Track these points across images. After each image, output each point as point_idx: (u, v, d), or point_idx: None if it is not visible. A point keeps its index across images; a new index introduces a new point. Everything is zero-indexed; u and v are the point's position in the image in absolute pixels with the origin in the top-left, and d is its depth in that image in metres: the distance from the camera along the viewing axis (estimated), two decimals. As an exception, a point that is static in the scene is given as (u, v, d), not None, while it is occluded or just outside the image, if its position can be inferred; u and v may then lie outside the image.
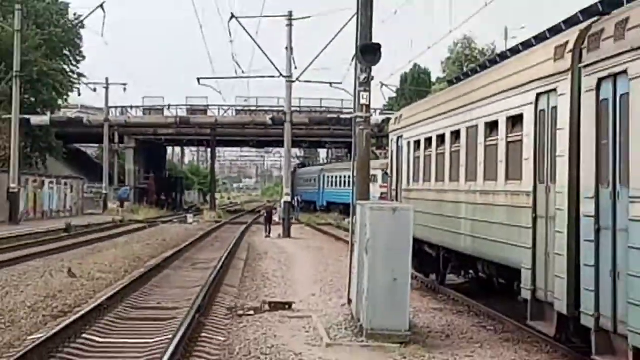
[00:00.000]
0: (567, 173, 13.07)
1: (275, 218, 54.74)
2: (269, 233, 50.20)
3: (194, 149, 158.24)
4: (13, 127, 56.38)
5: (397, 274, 15.10)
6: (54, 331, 14.68)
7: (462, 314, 19.46)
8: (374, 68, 18.88)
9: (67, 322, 15.73)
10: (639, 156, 10.68)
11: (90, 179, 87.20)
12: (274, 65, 52.56)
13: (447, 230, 20.52)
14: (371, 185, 20.86)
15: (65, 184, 74.48)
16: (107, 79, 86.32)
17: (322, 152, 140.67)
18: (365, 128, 18.88)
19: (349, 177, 46.44)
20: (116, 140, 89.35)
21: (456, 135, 19.89)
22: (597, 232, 11.98)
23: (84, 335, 15.34)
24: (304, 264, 31.29)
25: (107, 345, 14.88)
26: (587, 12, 14.28)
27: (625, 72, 11.09)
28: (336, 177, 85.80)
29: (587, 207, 12.34)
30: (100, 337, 15.55)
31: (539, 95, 14.48)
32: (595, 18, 13.26)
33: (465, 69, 30.44)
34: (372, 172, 22.13)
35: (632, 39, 10.90)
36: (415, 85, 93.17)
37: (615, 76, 11.51)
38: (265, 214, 54.66)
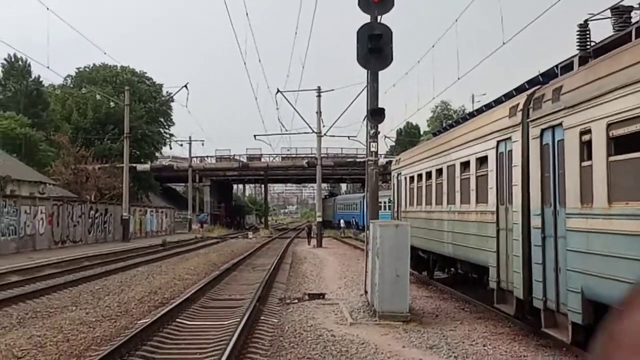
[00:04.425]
0: (520, 197, 12.99)
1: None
2: (310, 242, 50.46)
3: (252, 185, 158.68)
4: (124, 172, 56.88)
5: (400, 272, 15.02)
6: (156, 317, 14.70)
7: (446, 300, 19.30)
8: (379, 125, 18.88)
9: (165, 310, 15.75)
10: (571, 185, 10.61)
11: (179, 208, 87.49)
12: (308, 125, 52.79)
13: (434, 240, 20.41)
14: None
15: (162, 212, 74.92)
16: (190, 137, 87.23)
17: (343, 186, 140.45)
18: (374, 168, 18.84)
19: (385, 202, 45.91)
20: (197, 180, 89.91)
21: (439, 171, 19.83)
22: (543, 239, 11.88)
23: (177, 320, 15.36)
24: (332, 266, 31.18)
25: (194, 326, 14.88)
26: (531, 82, 14.26)
27: (560, 124, 11.04)
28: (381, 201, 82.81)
29: (535, 221, 12.25)
30: (189, 320, 15.56)
31: (498, 142, 14.43)
32: (538, 86, 13.22)
33: (444, 125, 30.42)
34: (380, 199, 21.99)
35: (565, 101, 10.85)
36: (408, 137, 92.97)
37: (553, 127, 11.45)
38: (307, 229, 55.37)
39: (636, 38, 9.57)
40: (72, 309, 17.14)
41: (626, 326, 0.71)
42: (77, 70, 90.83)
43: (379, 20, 17.80)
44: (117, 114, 69.59)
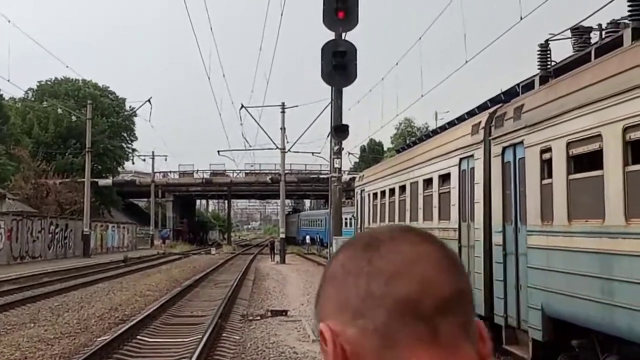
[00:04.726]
0: (482, 214, 13.09)
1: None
2: (273, 258, 50.25)
3: (215, 201, 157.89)
4: (86, 187, 56.33)
5: (363, 289, 15.01)
6: (116, 334, 14.55)
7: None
8: (343, 142, 18.98)
9: (126, 327, 15.59)
10: (532, 202, 10.72)
11: (141, 224, 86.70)
12: (272, 141, 52.75)
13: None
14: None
15: (123, 227, 74.24)
16: (153, 152, 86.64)
17: (307, 202, 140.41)
18: (338, 184, 18.92)
19: (350, 218, 45.86)
20: (160, 195, 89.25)
21: (403, 188, 19.92)
22: (505, 256, 11.98)
23: (138, 337, 15.20)
24: (295, 282, 31.08)
25: (155, 343, 14.75)
26: (493, 100, 14.44)
27: (522, 142, 11.17)
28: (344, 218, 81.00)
29: (497, 238, 12.36)
30: (150, 337, 15.42)
31: (461, 159, 14.55)
32: (500, 104, 13.38)
33: (407, 141, 30.68)
34: (344, 216, 22.05)
35: (526, 119, 10.99)
36: (372, 153, 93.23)
37: (514, 145, 11.58)
38: (270, 245, 55.31)
39: (595, 58, 9.73)
40: (30, 326, 16.87)
41: (331, 264, 1.15)
42: (38, 84, 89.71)
43: (343, 37, 17.93)
44: (79, 128, 68.86)
